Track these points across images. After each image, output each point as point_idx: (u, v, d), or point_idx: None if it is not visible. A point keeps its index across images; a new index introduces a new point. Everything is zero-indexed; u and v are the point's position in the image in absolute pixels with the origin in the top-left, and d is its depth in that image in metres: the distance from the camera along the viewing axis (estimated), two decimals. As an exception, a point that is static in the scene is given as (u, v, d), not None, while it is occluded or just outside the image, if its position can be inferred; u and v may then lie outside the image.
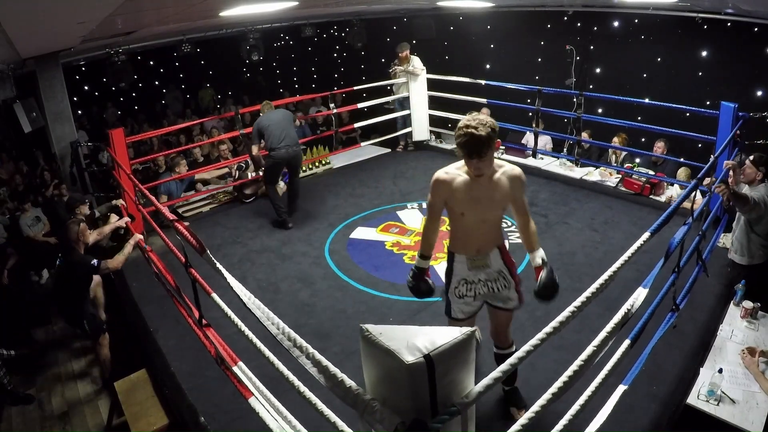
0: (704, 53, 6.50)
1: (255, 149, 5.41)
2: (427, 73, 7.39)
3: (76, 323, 4.01)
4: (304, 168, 7.11)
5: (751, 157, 3.78)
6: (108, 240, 4.94)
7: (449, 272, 2.72)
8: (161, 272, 3.78)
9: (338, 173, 7.13)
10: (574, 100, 6.25)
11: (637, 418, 2.86)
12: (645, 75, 7.14)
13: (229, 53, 11.48)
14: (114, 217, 4.71)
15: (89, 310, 4.09)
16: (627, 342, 2.19)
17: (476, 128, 2.29)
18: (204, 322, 2.86)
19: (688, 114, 5.70)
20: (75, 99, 9.76)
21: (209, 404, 3.18)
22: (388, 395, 1.27)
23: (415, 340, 1.23)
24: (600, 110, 7.49)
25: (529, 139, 7.07)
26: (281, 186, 6.16)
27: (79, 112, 9.96)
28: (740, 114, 4.56)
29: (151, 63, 11.14)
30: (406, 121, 7.72)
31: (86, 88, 10.42)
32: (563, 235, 5.01)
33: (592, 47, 7.60)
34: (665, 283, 2.96)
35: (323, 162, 7.29)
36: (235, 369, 2.54)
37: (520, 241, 2.80)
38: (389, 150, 7.92)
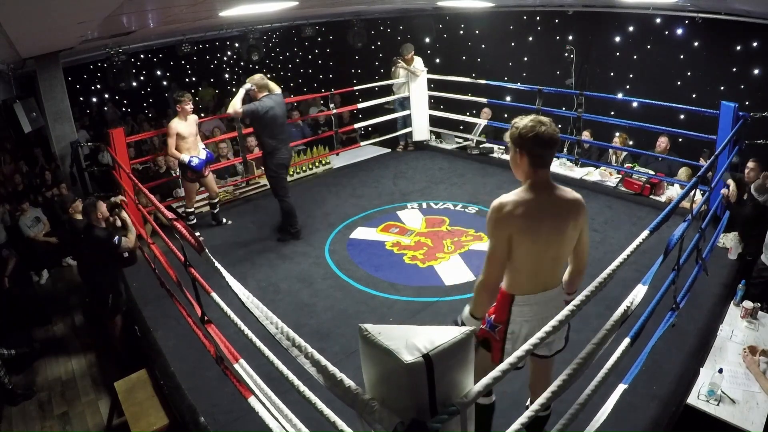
0: (704, 53, 6.49)
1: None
2: (427, 73, 7.39)
3: (101, 295, 4.10)
4: (304, 168, 7.13)
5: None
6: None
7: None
8: (163, 268, 3.76)
9: (338, 173, 7.13)
10: (575, 99, 6.24)
11: (637, 417, 2.86)
12: (644, 75, 7.14)
13: (229, 53, 11.52)
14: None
15: (120, 287, 4.24)
16: (627, 341, 2.18)
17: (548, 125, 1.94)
18: (206, 318, 2.85)
19: (684, 115, 5.71)
20: (79, 99, 9.81)
21: (209, 404, 3.18)
22: (387, 395, 1.27)
23: (414, 340, 1.23)
24: (600, 110, 7.48)
25: (529, 138, 7.06)
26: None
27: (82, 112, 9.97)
28: (740, 114, 4.56)
29: (152, 63, 11.14)
30: (407, 121, 7.72)
31: (86, 88, 10.43)
32: (563, 235, 4.99)
33: (592, 47, 7.59)
34: (665, 281, 2.96)
35: (323, 162, 7.29)
36: (236, 366, 2.53)
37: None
38: (389, 150, 7.92)
